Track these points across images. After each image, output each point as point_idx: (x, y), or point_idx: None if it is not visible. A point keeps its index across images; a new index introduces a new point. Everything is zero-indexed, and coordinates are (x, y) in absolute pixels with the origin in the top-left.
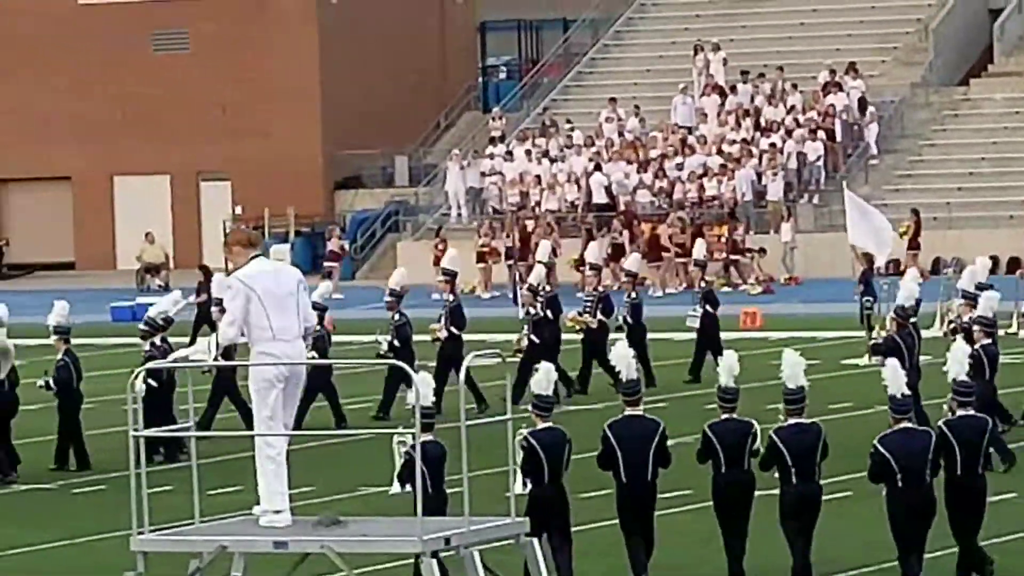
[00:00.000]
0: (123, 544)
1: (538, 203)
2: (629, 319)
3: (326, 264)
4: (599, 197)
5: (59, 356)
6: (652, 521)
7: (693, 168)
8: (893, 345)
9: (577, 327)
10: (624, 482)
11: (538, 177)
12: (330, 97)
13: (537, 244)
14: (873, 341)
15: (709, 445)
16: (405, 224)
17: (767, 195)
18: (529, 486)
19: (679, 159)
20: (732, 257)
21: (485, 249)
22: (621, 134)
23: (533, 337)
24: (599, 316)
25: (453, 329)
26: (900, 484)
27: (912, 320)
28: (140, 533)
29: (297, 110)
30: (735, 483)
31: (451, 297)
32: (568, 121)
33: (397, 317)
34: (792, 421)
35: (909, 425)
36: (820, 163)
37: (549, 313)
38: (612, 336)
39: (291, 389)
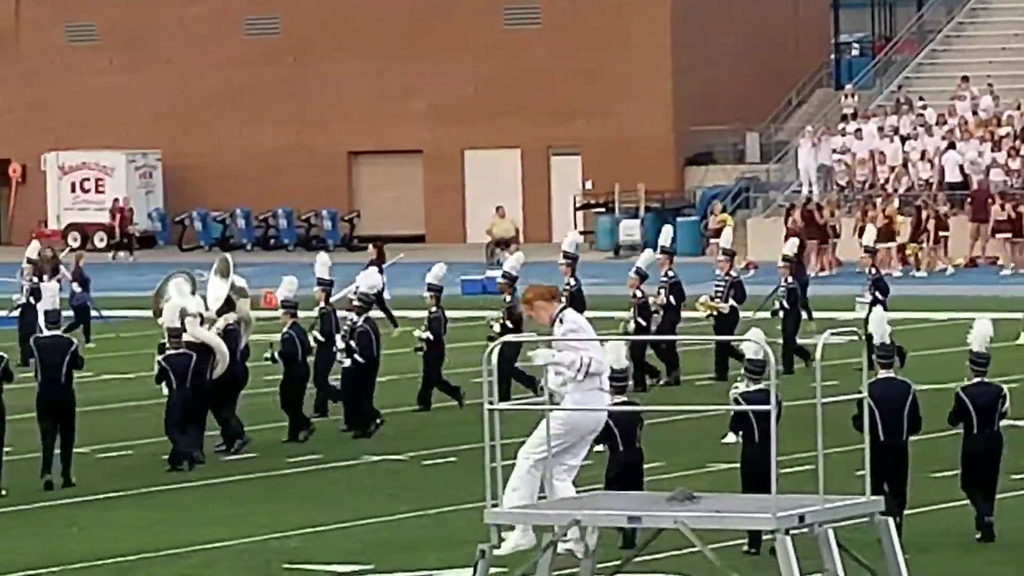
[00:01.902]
0: (475, 516)
1: (887, 181)
2: (786, 304)
3: (711, 240)
4: (952, 176)
5: (285, 329)
6: (906, 478)
7: None
8: None
9: (708, 312)
10: (881, 440)
11: (883, 154)
12: (681, 73)
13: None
14: None
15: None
16: (756, 201)
17: None
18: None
19: None
20: None
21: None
22: (975, 112)
23: (640, 320)
24: (731, 301)
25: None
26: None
27: None
28: (495, 505)
29: (648, 86)
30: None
31: (572, 281)
32: (921, 99)
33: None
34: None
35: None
36: None
37: (672, 299)
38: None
39: (589, 437)
